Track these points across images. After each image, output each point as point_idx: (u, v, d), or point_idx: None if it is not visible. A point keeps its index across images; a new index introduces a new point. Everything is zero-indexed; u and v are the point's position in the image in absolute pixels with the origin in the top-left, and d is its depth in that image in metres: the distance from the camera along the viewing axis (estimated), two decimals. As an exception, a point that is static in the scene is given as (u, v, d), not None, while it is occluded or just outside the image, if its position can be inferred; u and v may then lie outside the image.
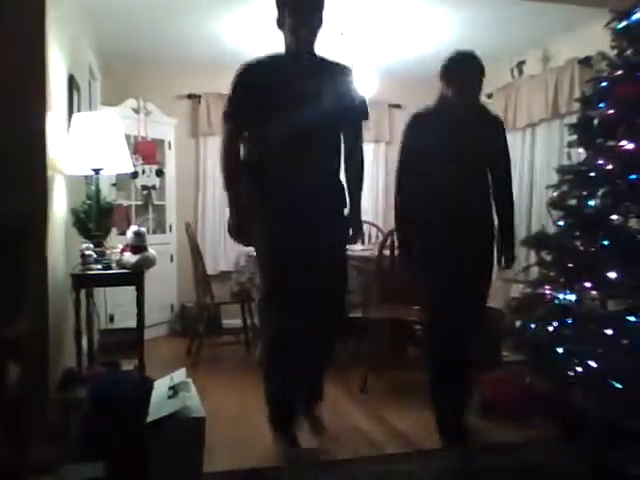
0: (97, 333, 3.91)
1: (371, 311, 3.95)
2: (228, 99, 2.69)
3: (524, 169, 5.19)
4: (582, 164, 2.97)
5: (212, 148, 5.72)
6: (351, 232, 2.86)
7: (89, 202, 3.39)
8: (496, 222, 3.01)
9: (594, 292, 2.79)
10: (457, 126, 2.86)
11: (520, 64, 5.17)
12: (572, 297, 2.85)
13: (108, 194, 4.39)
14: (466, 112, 2.91)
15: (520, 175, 5.20)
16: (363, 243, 5.14)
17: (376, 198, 6.29)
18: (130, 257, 3.25)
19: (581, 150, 3.04)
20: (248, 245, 2.85)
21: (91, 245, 3.28)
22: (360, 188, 2.90)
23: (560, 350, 2.79)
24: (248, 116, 2.65)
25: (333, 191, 2.79)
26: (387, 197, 6.19)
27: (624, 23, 2.84)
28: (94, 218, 3.30)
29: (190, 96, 5.75)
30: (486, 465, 2.72)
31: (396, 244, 3.30)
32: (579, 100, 3.19)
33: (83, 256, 3.22)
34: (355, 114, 2.84)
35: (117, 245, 3.53)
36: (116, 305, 4.47)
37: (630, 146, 2.69)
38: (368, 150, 6.20)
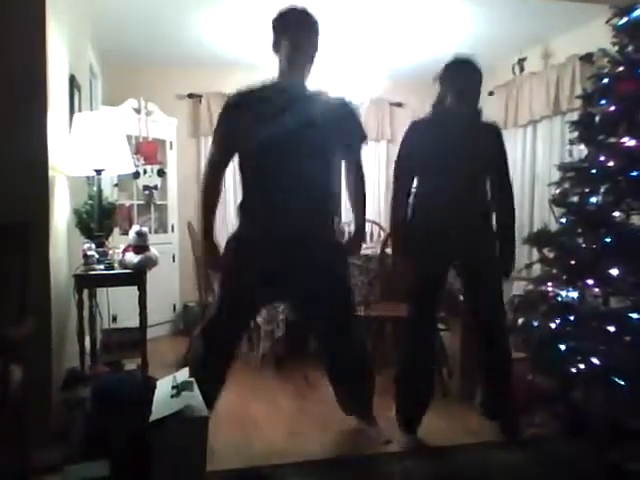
0: (100, 333, 3.91)
1: (373, 309, 3.95)
2: (216, 126, 2.68)
3: (526, 166, 5.19)
4: (584, 161, 2.97)
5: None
6: (351, 244, 2.88)
7: (91, 202, 3.39)
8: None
9: (596, 289, 2.79)
10: (454, 134, 2.84)
11: (521, 61, 5.17)
12: (574, 294, 2.85)
13: (110, 194, 4.40)
14: (463, 119, 2.89)
15: (522, 172, 5.20)
16: (365, 242, 5.14)
17: (377, 196, 6.29)
18: (132, 257, 3.25)
19: (583, 147, 3.04)
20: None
21: (93, 245, 3.28)
22: (363, 212, 2.88)
23: (563, 347, 2.80)
24: (236, 147, 2.64)
25: (323, 230, 2.73)
26: (388, 195, 6.17)
27: (625, 19, 2.84)
28: (96, 218, 3.30)
29: (191, 96, 5.76)
30: (489, 462, 2.73)
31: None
32: (580, 97, 3.18)
33: (85, 256, 3.22)
34: (353, 140, 2.79)
35: (119, 245, 3.53)
36: (119, 305, 4.47)
37: (632, 143, 2.69)
38: (369, 149, 6.21)
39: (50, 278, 2.79)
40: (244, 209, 2.70)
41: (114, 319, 4.59)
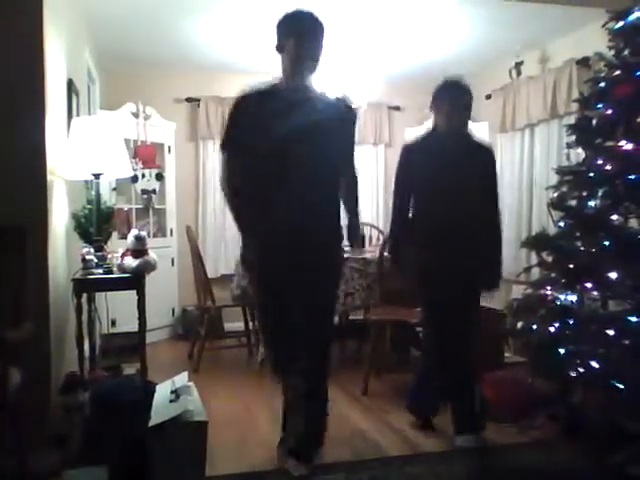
0: (99, 337, 3.91)
1: (372, 313, 3.95)
2: (225, 130, 2.70)
3: (523, 170, 5.20)
4: (581, 165, 2.98)
5: (211, 151, 5.74)
6: (349, 243, 2.89)
7: (89, 207, 3.39)
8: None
9: (595, 293, 2.79)
10: (445, 155, 2.91)
11: (518, 65, 5.18)
12: (573, 298, 2.86)
13: (108, 198, 4.40)
14: (456, 138, 2.95)
15: (519, 176, 5.21)
16: (364, 246, 5.15)
17: (376, 200, 6.30)
18: (131, 261, 3.25)
19: (580, 150, 3.04)
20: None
21: (92, 249, 3.28)
22: (356, 209, 2.88)
23: (562, 351, 2.80)
24: (243, 147, 2.63)
25: (331, 228, 2.74)
26: (387, 199, 6.19)
27: (621, 23, 2.85)
28: (95, 222, 3.30)
29: (189, 100, 5.76)
30: (489, 466, 2.73)
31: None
32: (577, 101, 3.19)
33: (84, 260, 3.22)
34: (349, 152, 2.80)
35: (118, 249, 3.53)
36: (117, 309, 4.47)
37: (629, 146, 2.70)
38: (367, 152, 6.23)
39: (49, 282, 2.79)
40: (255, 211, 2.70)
41: (113, 323, 4.58)
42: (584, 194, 2.91)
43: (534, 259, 3.41)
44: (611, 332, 2.59)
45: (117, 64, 5.31)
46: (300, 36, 2.57)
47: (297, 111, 2.57)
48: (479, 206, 2.94)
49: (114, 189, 4.96)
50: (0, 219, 2.55)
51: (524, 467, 2.72)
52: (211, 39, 4.77)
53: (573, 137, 3.04)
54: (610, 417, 2.54)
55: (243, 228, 2.72)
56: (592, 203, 2.85)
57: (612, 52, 2.92)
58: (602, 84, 2.92)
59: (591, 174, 2.86)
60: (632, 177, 2.67)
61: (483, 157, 3.01)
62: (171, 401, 2.45)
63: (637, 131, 2.72)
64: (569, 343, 2.79)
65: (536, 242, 3.13)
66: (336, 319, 4.52)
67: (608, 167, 2.77)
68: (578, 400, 2.76)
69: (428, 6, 4.06)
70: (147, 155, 5.27)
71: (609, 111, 2.84)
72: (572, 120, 3.29)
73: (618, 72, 2.84)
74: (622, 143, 2.73)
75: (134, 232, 3.45)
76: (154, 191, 5.39)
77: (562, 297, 2.90)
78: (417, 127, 5.97)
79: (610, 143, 2.83)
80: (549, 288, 2.98)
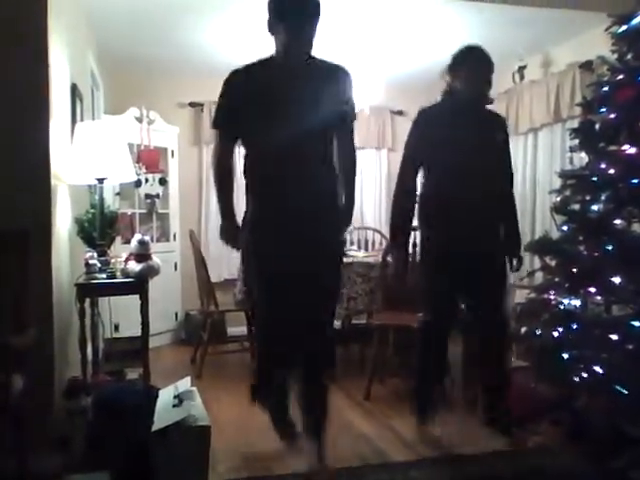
0: (102, 342, 3.91)
1: (375, 317, 3.94)
2: (216, 107, 2.66)
3: (527, 174, 5.20)
4: (584, 169, 2.97)
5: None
6: (341, 218, 2.77)
7: (93, 211, 3.39)
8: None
9: (598, 297, 2.78)
10: (464, 122, 2.85)
11: (521, 69, 5.18)
12: (577, 302, 2.85)
13: (112, 203, 4.41)
14: (473, 106, 2.89)
15: (523, 180, 5.20)
16: (367, 250, 5.15)
17: (379, 204, 6.29)
18: (134, 266, 3.26)
19: (583, 154, 3.04)
20: (239, 248, 2.80)
21: (95, 254, 3.28)
22: (353, 182, 2.78)
23: (565, 355, 2.79)
24: (236, 124, 2.61)
25: (325, 196, 2.68)
26: (389, 203, 6.18)
27: (624, 27, 2.85)
28: (98, 227, 3.31)
29: (192, 104, 5.77)
30: (491, 471, 2.72)
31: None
32: (580, 105, 3.19)
33: (87, 265, 3.23)
34: (343, 115, 2.69)
35: (121, 254, 3.54)
36: (120, 314, 4.47)
37: (632, 150, 2.69)
38: (370, 156, 6.23)
39: (52, 287, 2.80)
40: (250, 188, 2.67)
41: (116, 328, 4.59)
42: (587, 198, 2.90)
43: (537, 263, 3.41)
44: (614, 337, 2.58)
45: (121, 69, 5.33)
46: (290, 22, 2.44)
47: (286, 83, 2.53)
48: (496, 179, 2.92)
49: (118, 194, 4.97)
50: (4, 222, 2.56)
51: (528, 472, 2.71)
52: (215, 44, 4.78)
53: (576, 141, 3.03)
54: (613, 422, 2.53)
55: (224, 212, 2.68)
56: (595, 207, 2.85)
57: (615, 56, 2.91)
58: (605, 88, 2.91)
59: (594, 178, 2.86)
60: (635, 181, 2.67)
61: (499, 128, 2.98)
62: (174, 406, 2.45)
63: (640, 135, 2.72)
64: (572, 348, 2.78)
65: (539, 246, 3.12)
66: (339, 323, 4.53)
67: (611, 171, 2.77)
68: (581, 405, 2.74)
69: (430, 10, 4.07)
70: (150, 160, 5.28)
71: (612, 115, 2.84)
72: (575, 124, 3.29)
73: (621, 76, 2.84)
74: (625, 147, 2.73)
75: (137, 237, 3.46)
76: (157, 196, 5.40)
77: (565, 302, 2.89)
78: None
79: (613, 147, 2.83)
80: (552, 292, 2.98)
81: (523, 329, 3.09)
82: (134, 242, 3.40)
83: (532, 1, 3.72)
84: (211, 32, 4.51)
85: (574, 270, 2.87)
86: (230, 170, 2.70)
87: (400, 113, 6.24)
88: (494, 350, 2.98)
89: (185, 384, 2.63)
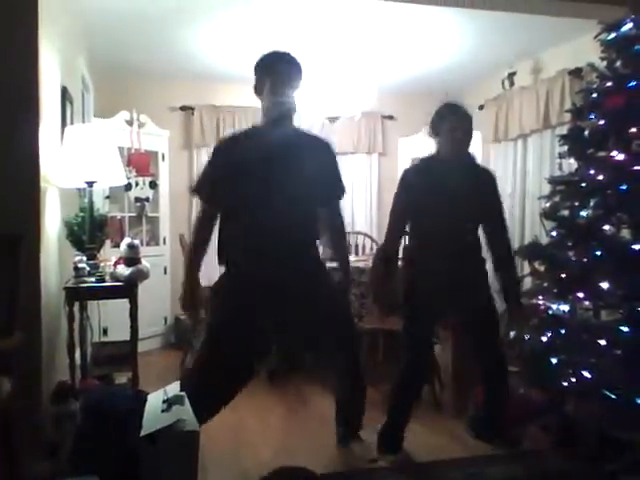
0: (90, 346, 3.89)
1: (366, 322, 3.94)
2: (200, 175, 2.69)
3: (516, 180, 5.23)
4: (573, 175, 3.00)
5: (205, 160, 5.72)
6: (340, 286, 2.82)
7: (82, 214, 3.38)
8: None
9: (587, 302, 2.80)
10: (447, 180, 2.85)
11: (511, 75, 5.21)
12: (565, 307, 2.86)
13: (101, 206, 4.39)
14: (458, 164, 2.91)
15: (512, 186, 5.23)
16: (357, 254, 5.15)
17: (369, 209, 6.30)
18: (124, 269, 3.24)
19: (572, 161, 3.06)
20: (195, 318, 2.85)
21: (84, 257, 3.27)
22: (344, 247, 2.90)
23: (554, 360, 2.80)
24: (218, 194, 2.62)
25: (310, 267, 2.70)
26: (380, 208, 6.20)
27: (613, 35, 2.88)
28: (87, 230, 3.29)
29: (183, 108, 5.76)
30: (480, 476, 2.72)
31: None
32: (570, 111, 3.22)
33: (76, 269, 3.21)
34: (332, 191, 2.76)
35: (111, 257, 3.52)
36: (109, 318, 4.45)
37: (620, 157, 2.72)
38: (361, 161, 6.24)
39: (41, 290, 2.78)
40: (228, 255, 2.66)
41: (105, 332, 4.56)
42: (576, 204, 2.92)
43: (527, 268, 3.42)
44: (603, 342, 2.60)
45: (111, 72, 5.31)
46: (275, 80, 2.57)
47: (274, 150, 2.56)
48: (488, 231, 2.93)
49: (107, 197, 4.95)
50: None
51: (517, 477, 2.72)
52: (206, 48, 4.78)
53: (565, 147, 3.06)
54: (602, 426, 2.54)
55: (190, 279, 2.65)
56: (584, 213, 2.87)
57: (604, 63, 2.94)
58: (594, 95, 2.94)
59: (583, 184, 2.88)
60: (624, 187, 2.69)
61: (486, 181, 2.97)
62: (163, 411, 2.43)
63: (629, 141, 2.74)
64: (561, 353, 2.80)
65: (529, 252, 3.14)
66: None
67: (600, 177, 2.79)
68: (570, 409, 2.76)
69: (421, 16, 4.09)
70: (141, 163, 5.26)
71: (601, 122, 2.86)
72: (564, 130, 3.31)
73: (610, 83, 2.87)
74: (614, 153, 2.75)
75: (127, 240, 3.44)
76: (147, 199, 5.38)
77: (554, 307, 2.91)
78: (411, 136, 6.01)
79: (602, 153, 2.85)
80: (541, 298, 2.99)
81: (512, 334, 3.10)
82: (123, 246, 3.39)
83: (522, 8, 3.74)
84: (202, 37, 4.51)
85: (563, 275, 2.89)
86: (207, 240, 2.69)
87: (391, 118, 6.26)
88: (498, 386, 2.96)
89: (174, 389, 2.61)
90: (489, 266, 2.96)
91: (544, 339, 2.89)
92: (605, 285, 2.64)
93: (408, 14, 4.02)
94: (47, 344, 2.89)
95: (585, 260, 2.79)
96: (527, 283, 3.48)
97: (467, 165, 2.95)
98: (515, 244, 4.81)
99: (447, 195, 2.81)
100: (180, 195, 5.73)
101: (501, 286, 2.93)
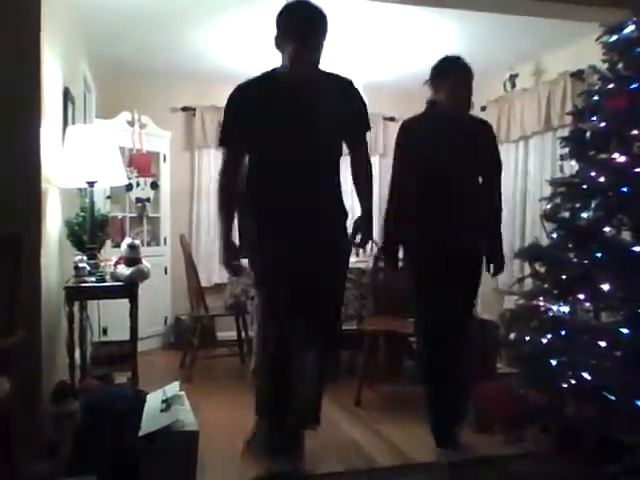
0: (90, 346, 3.89)
1: (366, 323, 3.94)
2: (222, 125, 2.63)
3: (517, 181, 5.22)
4: (575, 177, 2.99)
5: (207, 161, 5.75)
6: (360, 237, 2.77)
7: (83, 214, 3.38)
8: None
9: (587, 304, 2.79)
10: (448, 132, 2.85)
11: (513, 77, 5.21)
12: (566, 309, 2.86)
13: (102, 206, 4.39)
14: (456, 117, 2.90)
15: (513, 187, 5.23)
16: (358, 255, 5.15)
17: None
18: (124, 269, 3.25)
19: (573, 163, 3.06)
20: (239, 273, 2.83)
21: (85, 257, 3.27)
22: (370, 195, 2.82)
23: (554, 362, 2.80)
24: (243, 139, 2.57)
25: (334, 209, 2.71)
26: (382, 209, 6.18)
27: (615, 37, 2.87)
28: (88, 230, 3.30)
29: (185, 109, 5.77)
30: (480, 477, 2.72)
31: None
32: (571, 113, 3.21)
33: (77, 268, 3.21)
34: (356, 125, 2.70)
35: (111, 257, 3.52)
36: (109, 317, 4.45)
37: (622, 159, 2.71)
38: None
39: (41, 289, 2.78)
40: (252, 199, 2.64)
41: (104, 332, 4.57)
42: (577, 206, 2.92)
43: (527, 270, 3.42)
44: (603, 343, 2.59)
45: (113, 73, 5.31)
46: (298, 38, 2.43)
47: (295, 96, 2.49)
48: (482, 189, 2.93)
49: (108, 197, 4.95)
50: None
51: (517, 478, 2.72)
52: (207, 49, 4.79)
53: (567, 149, 3.05)
54: (602, 428, 2.54)
55: (226, 241, 2.65)
56: (585, 215, 2.86)
57: (606, 65, 2.94)
58: (596, 97, 2.93)
59: (584, 186, 2.88)
60: (625, 189, 2.68)
61: (485, 134, 2.99)
62: (162, 410, 2.43)
63: (630, 144, 2.73)
64: (561, 354, 2.79)
65: (529, 253, 3.13)
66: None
67: (601, 179, 2.78)
68: (571, 411, 2.75)
69: (423, 18, 4.09)
70: (142, 164, 5.27)
71: (602, 124, 2.86)
72: (566, 132, 3.31)
73: (612, 85, 2.86)
74: (615, 156, 2.74)
75: (128, 240, 3.45)
76: (148, 199, 5.39)
77: (555, 308, 2.90)
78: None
79: (603, 155, 2.85)
80: (542, 299, 2.99)
81: (512, 335, 3.10)
82: (124, 246, 3.39)
83: (524, 11, 3.74)
84: (203, 38, 4.51)
85: (563, 277, 2.88)
86: (237, 196, 2.65)
87: (392, 119, 6.26)
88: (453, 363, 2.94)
89: (173, 389, 2.61)
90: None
91: (544, 340, 2.88)
92: (605, 287, 2.64)
93: (411, 16, 4.03)
94: (47, 343, 2.89)
95: (586, 262, 2.79)
96: (528, 284, 3.48)
97: (466, 118, 2.95)
98: (516, 245, 4.82)
99: (450, 153, 2.82)
100: (181, 196, 5.74)
101: (485, 238, 2.97)
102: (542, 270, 3.04)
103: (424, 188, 2.89)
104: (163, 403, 2.47)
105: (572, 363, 2.72)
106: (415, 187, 2.91)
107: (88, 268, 3.22)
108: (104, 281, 3.22)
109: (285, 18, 2.49)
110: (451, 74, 2.86)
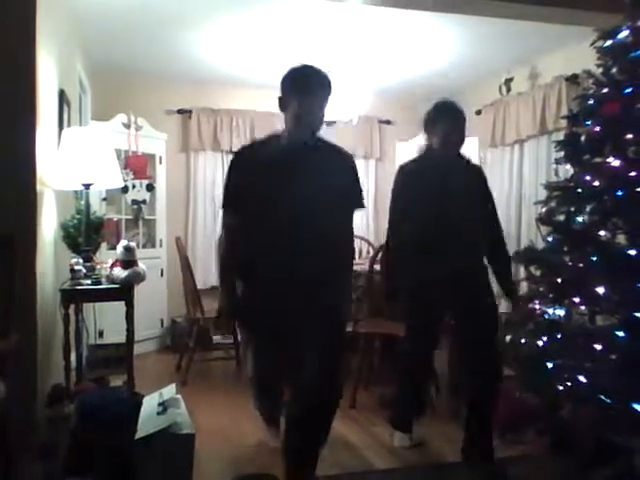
0: (86, 348, 3.88)
1: (361, 326, 3.95)
2: (225, 186, 2.58)
3: (513, 185, 5.24)
4: (570, 180, 3.00)
5: (202, 163, 5.76)
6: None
7: (79, 217, 3.38)
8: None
9: (583, 307, 2.80)
10: (443, 175, 2.93)
11: (508, 81, 5.23)
12: (561, 312, 2.87)
13: (98, 208, 4.39)
14: (450, 160, 2.97)
15: (509, 191, 5.24)
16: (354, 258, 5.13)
17: (367, 213, 6.30)
18: (120, 272, 3.24)
19: (568, 166, 3.07)
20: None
21: (81, 260, 3.26)
22: (350, 270, 2.77)
23: (549, 365, 2.80)
24: (245, 204, 2.51)
25: (331, 282, 2.57)
26: (377, 213, 6.21)
27: (609, 42, 2.89)
28: (84, 233, 3.29)
29: (181, 111, 5.77)
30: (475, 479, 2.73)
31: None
32: (566, 117, 3.22)
33: (72, 271, 3.20)
34: (350, 204, 2.65)
35: (107, 260, 3.52)
36: (105, 320, 4.44)
37: (616, 163, 2.72)
38: (358, 166, 6.19)
39: (37, 292, 2.77)
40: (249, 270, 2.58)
41: (100, 334, 4.56)
42: (572, 209, 2.92)
43: (523, 273, 3.43)
44: (598, 347, 2.60)
45: (109, 75, 5.31)
46: (303, 99, 2.42)
47: (298, 161, 2.47)
48: (482, 228, 2.97)
49: (104, 199, 4.95)
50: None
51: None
52: (204, 51, 4.79)
53: (562, 153, 3.06)
54: (598, 431, 2.54)
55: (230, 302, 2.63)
56: (580, 218, 2.87)
57: (600, 70, 2.95)
58: (590, 101, 2.94)
59: (579, 190, 2.88)
60: (619, 193, 2.69)
61: (478, 177, 3.05)
62: (158, 413, 2.43)
63: (624, 148, 2.75)
64: (557, 357, 2.80)
65: (525, 256, 3.14)
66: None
67: (596, 183, 2.79)
68: (566, 414, 2.76)
69: (419, 22, 4.10)
70: (138, 166, 5.27)
71: (597, 128, 2.87)
72: (561, 136, 3.31)
73: (606, 90, 2.87)
74: (610, 160, 2.75)
75: (123, 243, 3.44)
76: (144, 202, 5.39)
77: (550, 311, 2.91)
78: (408, 141, 6.02)
79: (598, 160, 2.85)
80: (537, 302, 3.00)
81: (508, 338, 3.10)
82: (120, 248, 3.38)
83: (520, 15, 3.76)
84: (199, 40, 4.52)
85: (559, 280, 2.89)
86: (238, 257, 2.60)
87: (388, 123, 6.27)
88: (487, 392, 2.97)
89: (170, 391, 2.61)
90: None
91: (540, 343, 2.88)
92: (601, 290, 2.64)
93: (406, 20, 4.04)
94: (42, 346, 2.88)
95: (581, 265, 2.80)
96: (523, 288, 3.48)
97: (458, 162, 3.02)
98: (511, 249, 4.83)
99: (446, 194, 2.88)
100: (177, 198, 5.74)
101: (497, 278, 3.05)
102: (537, 273, 3.04)
103: (422, 228, 2.95)
104: (160, 406, 2.47)
105: (568, 366, 2.73)
106: (414, 227, 2.96)
107: (84, 270, 3.22)
108: (100, 284, 3.22)
109: (289, 79, 2.49)
110: (444, 120, 2.93)
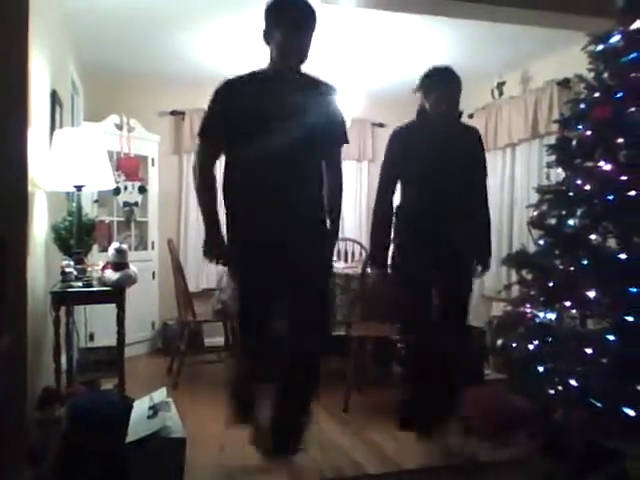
0: (77, 351, 3.86)
1: (354, 329, 3.94)
2: (205, 115, 2.62)
3: (504, 189, 5.26)
4: (561, 184, 3.02)
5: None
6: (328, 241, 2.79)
7: (70, 218, 3.36)
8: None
9: (574, 311, 2.81)
10: (437, 138, 2.95)
11: (500, 85, 5.25)
12: (552, 316, 2.88)
13: (90, 210, 4.37)
14: (445, 124, 2.99)
15: (500, 194, 5.26)
16: (346, 261, 5.16)
17: (359, 216, 6.32)
18: (111, 274, 3.23)
19: (560, 170, 3.08)
20: (224, 264, 2.79)
21: (72, 262, 3.25)
22: (339, 205, 2.81)
23: (541, 369, 2.81)
24: (224, 134, 2.57)
25: (312, 212, 2.68)
26: (370, 215, 6.20)
27: (601, 46, 2.90)
28: (75, 235, 3.27)
29: (173, 113, 5.76)
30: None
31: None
32: (558, 121, 3.24)
33: (63, 273, 3.19)
34: (333, 137, 2.72)
35: (98, 262, 3.50)
36: (96, 323, 4.42)
37: (607, 167, 2.74)
38: (351, 168, 6.25)
39: (27, 294, 2.75)
40: (232, 199, 2.64)
41: (91, 337, 4.54)
42: (563, 213, 2.94)
43: (514, 277, 3.44)
44: (589, 350, 2.61)
45: (102, 76, 5.30)
46: (287, 30, 2.45)
47: (281, 94, 2.51)
48: (470, 191, 3.00)
49: (96, 201, 4.93)
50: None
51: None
52: (197, 52, 4.79)
53: (553, 157, 3.08)
54: (589, 435, 2.55)
55: (209, 226, 2.65)
56: (571, 222, 2.88)
57: (592, 74, 2.97)
58: (582, 105, 2.96)
59: (570, 193, 2.90)
60: (610, 197, 2.71)
61: (472, 141, 3.09)
62: (149, 417, 2.42)
63: (615, 152, 2.76)
64: (548, 361, 2.81)
65: (516, 260, 3.15)
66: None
67: (587, 187, 2.81)
68: (557, 418, 2.77)
69: (412, 25, 4.11)
70: (130, 167, 5.25)
71: (588, 132, 2.88)
72: (552, 140, 3.33)
73: (597, 94, 2.89)
74: (601, 164, 2.77)
75: (115, 245, 3.43)
76: (136, 204, 5.37)
77: (541, 315, 2.92)
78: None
79: (589, 163, 2.87)
80: (528, 306, 3.00)
81: (499, 341, 3.11)
82: (111, 250, 3.37)
83: (512, 19, 3.78)
84: (192, 41, 4.51)
85: (550, 284, 2.90)
86: (213, 180, 2.66)
87: (381, 125, 6.28)
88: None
89: (161, 395, 2.60)
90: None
91: (531, 347, 2.89)
92: (592, 294, 2.66)
93: (398, 23, 4.05)
94: (33, 349, 2.86)
95: (572, 269, 2.81)
96: (514, 291, 3.49)
97: (455, 124, 3.08)
98: (503, 252, 4.85)
99: (439, 157, 2.95)
100: (169, 200, 5.72)
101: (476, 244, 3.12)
102: (529, 277, 3.06)
103: (413, 190, 2.97)
104: (150, 409, 2.46)
105: (559, 370, 2.74)
106: (404, 193, 2.98)
107: (75, 273, 3.20)
108: (91, 286, 3.20)
109: (273, 11, 2.52)
110: (439, 83, 2.94)
